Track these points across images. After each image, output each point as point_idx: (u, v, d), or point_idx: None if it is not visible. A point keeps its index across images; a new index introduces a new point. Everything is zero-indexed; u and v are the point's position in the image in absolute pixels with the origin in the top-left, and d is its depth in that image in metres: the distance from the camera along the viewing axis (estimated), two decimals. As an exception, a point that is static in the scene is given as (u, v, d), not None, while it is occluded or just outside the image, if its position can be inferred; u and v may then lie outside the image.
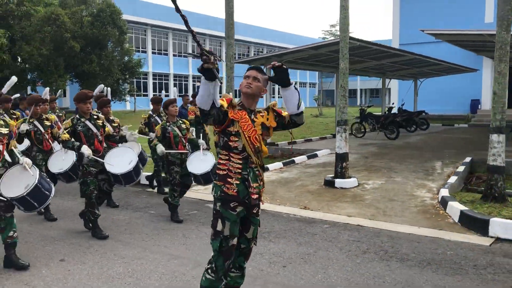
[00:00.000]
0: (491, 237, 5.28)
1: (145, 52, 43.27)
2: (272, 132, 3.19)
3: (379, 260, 4.54)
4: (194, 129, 7.21)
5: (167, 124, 6.10)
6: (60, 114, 8.42)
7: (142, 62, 31.41)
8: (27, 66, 24.06)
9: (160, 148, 5.95)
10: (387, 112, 17.61)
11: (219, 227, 3.01)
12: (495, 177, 6.62)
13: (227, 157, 3.04)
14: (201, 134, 7.57)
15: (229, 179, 3.02)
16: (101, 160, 5.36)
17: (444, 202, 6.48)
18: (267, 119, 3.12)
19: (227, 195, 3.01)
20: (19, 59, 24.53)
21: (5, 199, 4.20)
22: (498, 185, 6.59)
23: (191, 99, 9.40)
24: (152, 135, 7.15)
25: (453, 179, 7.98)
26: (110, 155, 5.47)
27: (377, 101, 41.20)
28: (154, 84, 44.10)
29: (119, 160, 5.46)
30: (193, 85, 47.20)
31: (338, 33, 7.83)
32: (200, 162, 6.18)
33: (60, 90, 22.43)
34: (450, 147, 13.07)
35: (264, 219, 5.64)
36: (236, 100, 3.22)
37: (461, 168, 8.96)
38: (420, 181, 8.27)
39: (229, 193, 3.01)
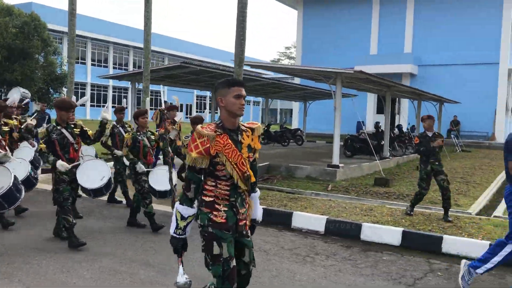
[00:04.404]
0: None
1: (84, 63, 45.01)
2: (257, 154, 3.05)
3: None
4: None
5: (138, 134, 6.28)
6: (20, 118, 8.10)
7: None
8: None
9: (142, 168, 6.12)
10: (266, 129, 20.24)
11: (216, 250, 2.80)
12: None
13: (213, 184, 2.86)
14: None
15: (216, 206, 2.85)
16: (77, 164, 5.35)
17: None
18: (252, 139, 2.95)
19: (215, 223, 2.82)
20: None
21: None
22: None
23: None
24: (118, 152, 7.36)
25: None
26: (83, 167, 5.45)
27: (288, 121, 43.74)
28: (92, 94, 45.60)
29: (92, 174, 5.50)
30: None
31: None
32: (162, 176, 6.15)
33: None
34: (290, 156, 15.52)
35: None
36: (209, 122, 3.08)
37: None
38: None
39: (217, 220, 2.83)
